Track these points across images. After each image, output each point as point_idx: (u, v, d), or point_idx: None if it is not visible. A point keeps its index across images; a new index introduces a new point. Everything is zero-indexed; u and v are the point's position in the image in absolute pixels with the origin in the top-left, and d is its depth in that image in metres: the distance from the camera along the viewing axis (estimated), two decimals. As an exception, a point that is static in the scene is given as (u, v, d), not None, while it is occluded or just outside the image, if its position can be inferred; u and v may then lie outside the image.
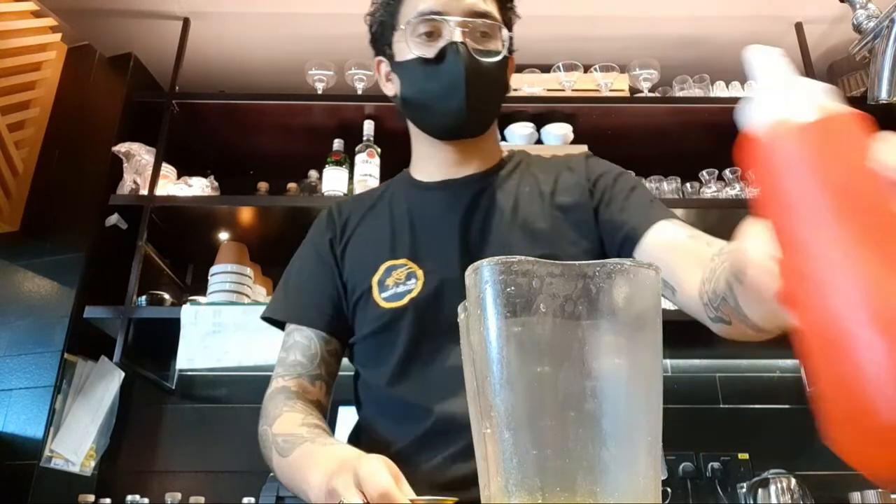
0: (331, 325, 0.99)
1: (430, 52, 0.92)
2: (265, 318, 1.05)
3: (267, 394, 0.96)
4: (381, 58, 1.03)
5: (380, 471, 0.61)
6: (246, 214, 2.22)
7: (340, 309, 1.00)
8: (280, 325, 1.04)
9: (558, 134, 2.28)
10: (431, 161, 1.03)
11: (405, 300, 0.92)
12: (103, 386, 2.11)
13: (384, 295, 0.94)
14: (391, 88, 1.03)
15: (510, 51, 0.99)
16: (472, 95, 0.91)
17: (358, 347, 1.00)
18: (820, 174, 0.35)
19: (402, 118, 1.06)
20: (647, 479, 0.43)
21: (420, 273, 0.94)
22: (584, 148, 2.24)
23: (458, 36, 0.91)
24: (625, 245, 0.91)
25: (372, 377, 0.97)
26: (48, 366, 2.03)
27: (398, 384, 0.92)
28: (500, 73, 0.97)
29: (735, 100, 2.36)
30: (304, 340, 0.98)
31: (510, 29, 1.01)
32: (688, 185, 2.34)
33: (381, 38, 1.01)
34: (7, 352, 2.08)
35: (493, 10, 0.96)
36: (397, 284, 0.94)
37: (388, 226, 1.00)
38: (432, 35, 0.93)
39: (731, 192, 2.28)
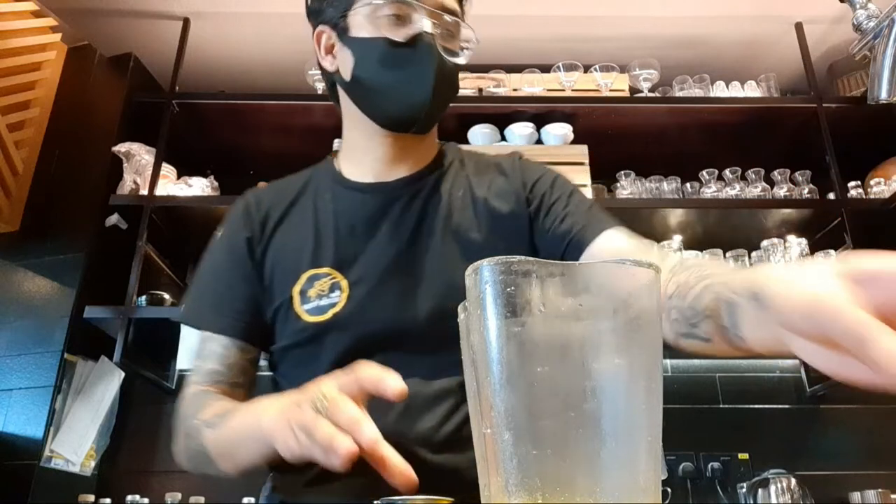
0: (248, 333, 0.91)
1: (399, 35, 0.86)
2: (182, 322, 0.97)
3: (183, 397, 0.89)
4: (325, 28, 0.93)
5: (344, 399, 0.57)
6: (246, 214, 2.22)
7: (259, 315, 0.91)
8: None
9: (558, 134, 2.28)
10: (366, 155, 0.96)
11: (328, 314, 0.85)
12: (103, 386, 2.11)
13: (306, 307, 0.87)
14: (332, 63, 0.94)
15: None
16: (436, 91, 0.87)
17: (278, 356, 0.92)
18: None
19: (335, 99, 1.00)
20: (647, 479, 0.43)
21: (345, 284, 0.87)
22: (584, 148, 2.24)
23: (429, 27, 0.87)
24: (569, 254, 0.87)
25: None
26: (48, 366, 2.03)
27: None
28: (457, 76, 0.94)
29: (735, 100, 2.37)
30: (220, 349, 0.90)
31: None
32: (688, 185, 2.34)
33: (331, 6, 0.92)
34: (7, 352, 2.09)
35: (457, 6, 0.92)
36: (320, 297, 0.87)
37: (312, 228, 0.92)
38: (401, 19, 0.87)
39: (731, 192, 2.28)
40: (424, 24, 0.86)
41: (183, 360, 1.91)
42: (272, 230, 0.95)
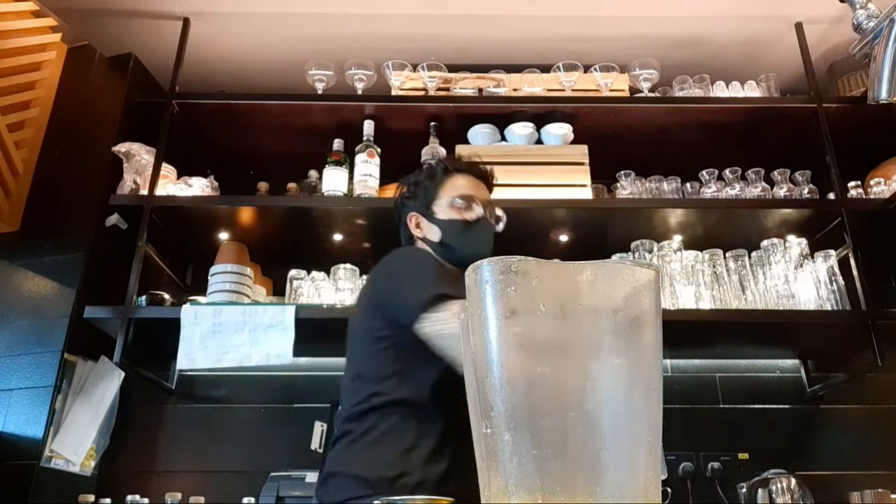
0: None
1: (470, 216, 1.48)
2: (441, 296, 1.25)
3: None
4: (415, 213, 1.52)
5: None
6: (246, 214, 2.22)
7: None
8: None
9: (558, 134, 2.28)
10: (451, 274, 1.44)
11: None
12: (103, 386, 2.11)
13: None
14: (421, 233, 1.51)
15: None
16: (489, 248, 1.48)
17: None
18: None
19: (408, 240, 1.56)
20: (647, 479, 0.43)
21: None
22: (584, 148, 2.24)
23: (483, 212, 1.49)
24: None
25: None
26: (48, 366, 2.03)
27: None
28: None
29: (735, 100, 2.37)
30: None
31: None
32: (688, 185, 2.34)
33: (419, 199, 1.52)
34: (7, 352, 2.08)
35: (491, 199, 1.57)
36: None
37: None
38: (467, 209, 1.48)
39: (731, 192, 2.28)
40: (481, 210, 1.49)
41: (182, 361, 1.91)
42: None
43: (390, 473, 1.20)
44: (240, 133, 2.42)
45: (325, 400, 2.22)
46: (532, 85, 2.38)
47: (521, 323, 0.43)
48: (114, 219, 2.15)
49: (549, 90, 2.37)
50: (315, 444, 2.18)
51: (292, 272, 2.23)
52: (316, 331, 1.99)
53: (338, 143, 2.27)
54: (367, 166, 2.19)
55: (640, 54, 2.40)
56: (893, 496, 2.03)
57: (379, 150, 2.23)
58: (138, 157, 2.22)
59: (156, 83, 2.58)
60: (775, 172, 2.31)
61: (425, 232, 1.51)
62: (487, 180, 1.60)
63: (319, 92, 2.38)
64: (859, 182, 2.28)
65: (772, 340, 2.27)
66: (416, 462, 1.22)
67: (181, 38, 2.37)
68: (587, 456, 0.41)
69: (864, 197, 2.24)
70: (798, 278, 2.10)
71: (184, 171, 2.32)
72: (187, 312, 1.96)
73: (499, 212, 1.56)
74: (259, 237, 2.33)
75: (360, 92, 2.37)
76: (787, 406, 2.34)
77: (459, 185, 1.52)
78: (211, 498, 2.07)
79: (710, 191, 2.31)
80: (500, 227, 1.54)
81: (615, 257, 2.11)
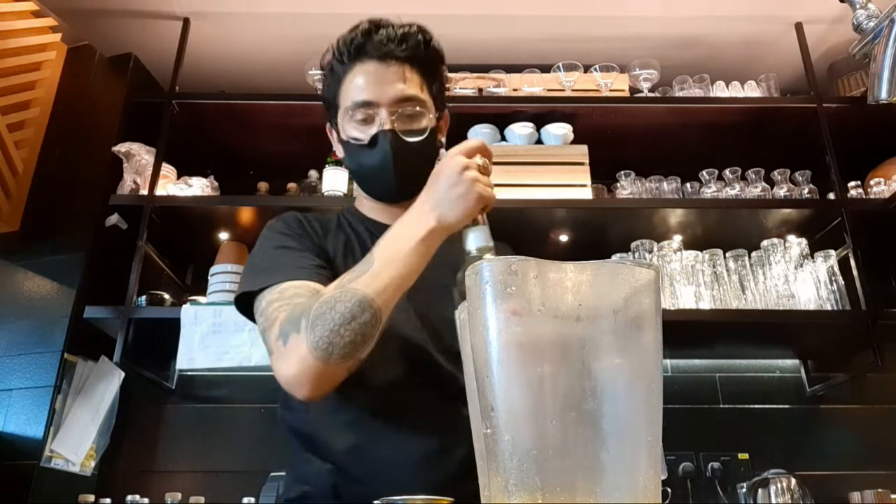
0: (325, 282, 0.99)
1: (364, 136, 1.08)
2: (242, 295, 1.05)
3: (283, 318, 0.94)
4: (330, 126, 1.20)
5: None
6: (246, 214, 2.22)
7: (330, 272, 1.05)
8: (248, 312, 1.06)
9: (558, 134, 2.28)
10: (379, 212, 1.18)
11: None
12: (103, 386, 2.11)
13: None
14: (340, 151, 1.18)
15: (439, 115, 1.15)
16: (400, 172, 1.07)
17: None
18: None
19: None
20: (647, 479, 0.43)
21: None
22: (584, 148, 2.24)
23: (387, 124, 1.07)
24: None
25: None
26: (48, 366, 2.03)
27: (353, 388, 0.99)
28: (429, 145, 1.10)
29: (735, 100, 2.37)
30: (295, 289, 0.98)
31: (439, 95, 1.16)
32: (688, 185, 2.34)
33: (329, 111, 1.18)
34: (7, 352, 2.08)
35: (418, 92, 1.10)
36: None
37: (358, 249, 1.12)
38: (366, 121, 1.09)
39: (731, 192, 2.28)
40: (384, 122, 1.07)
41: (182, 361, 1.91)
42: (324, 240, 1.14)
43: None
44: (240, 133, 2.42)
45: (325, 400, 2.22)
46: (532, 85, 2.38)
47: (521, 323, 0.43)
48: (114, 219, 2.15)
49: (549, 90, 2.37)
50: (315, 444, 2.17)
51: (292, 272, 2.23)
52: (316, 331, 1.99)
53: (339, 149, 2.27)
54: (367, 166, 2.19)
55: (640, 54, 2.40)
56: (893, 496, 2.03)
57: (379, 150, 2.23)
58: (138, 157, 2.22)
59: (156, 83, 2.58)
60: (775, 172, 2.31)
61: (339, 152, 1.19)
62: (414, 58, 1.10)
63: (319, 92, 2.37)
64: (859, 182, 2.28)
65: (772, 340, 2.27)
66: None
67: (181, 38, 2.37)
68: (587, 456, 0.41)
69: (864, 197, 2.24)
70: (798, 278, 2.10)
71: (184, 171, 2.32)
72: (187, 312, 1.96)
73: (429, 107, 1.11)
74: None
75: (360, 92, 2.37)
76: (787, 406, 2.34)
77: (356, 84, 1.10)
78: (211, 498, 2.07)
79: (710, 191, 2.31)
80: (422, 136, 1.09)
81: (615, 257, 2.11)
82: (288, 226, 1.13)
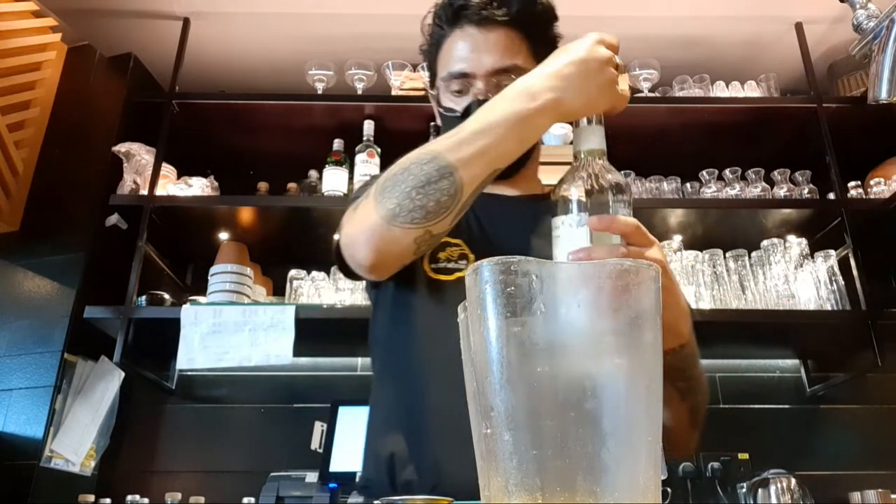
0: None
1: (458, 107, 1.01)
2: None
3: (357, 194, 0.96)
4: (431, 92, 1.13)
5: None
6: (246, 214, 2.22)
7: None
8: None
9: (558, 134, 2.28)
10: None
11: (453, 276, 0.96)
12: (103, 386, 2.11)
13: (434, 266, 0.98)
14: (439, 120, 1.11)
15: None
16: None
17: (389, 299, 1.01)
18: None
19: None
20: (647, 479, 0.43)
21: (472, 257, 0.98)
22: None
23: (481, 94, 0.98)
24: None
25: (395, 332, 1.01)
26: (48, 366, 2.03)
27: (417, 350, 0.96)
28: None
29: (735, 100, 2.36)
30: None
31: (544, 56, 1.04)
32: (688, 185, 2.34)
33: (430, 70, 1.12)
34: (7, 352, 2.08)
35: (518, 60, 1.01)
36: (448, 260, 0.98)
37: None
38: (461, 92, 1.02)
39: (731, 192, 2.28)
40: (479, 92, 0.99)
41: (182, 361, 1.91)
42: None
43: None
44: (240, 133, 2.42)
45: (325, 400, 2.21)
46: (532, 85, 2.38)
47: (521, 323, 0.43)
48: (114, 219, 2.15)
49: (549, 90, 2.37)
50: (315, 444, 2.17)
51: (292, 272, 2.23)
52: (316, 331, 1.99)
53: (338, 143, 2.27)
54: (368, 166, 2.19)
55: (640, 54, 2.40)
56: (894, 496, 2.03)
57: (379, 150, 2.23)
58: (138, 157, 2.22)
59: (156, 83, 2.58)
60: (775, 172, 2.31)
61: (439, 120, 1.12)
62: (518, 20, 1.02)
63: (319, 92, 2.38)
64: (859, 182, 2.28)
65: (772, 340, 2.27)
66: None
67: (181, 38, 2.37)
68: (587, 456, 0.41)
69: (864, 197, 2.24)
70: (798, 278, 2.10)
71: (184, 171, 2.32)
72: (187, 312, 1.96)
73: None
74: (259, 237, 2.33)
75: (360, 92, 2.37)
76: (787, 406, 2.34)
77: (453, 52, 1.03)
78: (211, 498, 2.07)
79: (710, 191, 2.31)
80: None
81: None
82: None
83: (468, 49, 1.00)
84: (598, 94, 0.79)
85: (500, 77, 0.98)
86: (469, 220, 1.02)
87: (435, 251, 0.98)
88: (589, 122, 0.78)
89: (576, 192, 0.72)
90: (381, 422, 0.99)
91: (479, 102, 0.95)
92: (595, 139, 0.77)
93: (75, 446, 2.01)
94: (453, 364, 0.88)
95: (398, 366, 0.99)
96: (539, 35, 1.06)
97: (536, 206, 1.06)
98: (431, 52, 1.08)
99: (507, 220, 1.05)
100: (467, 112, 0.97)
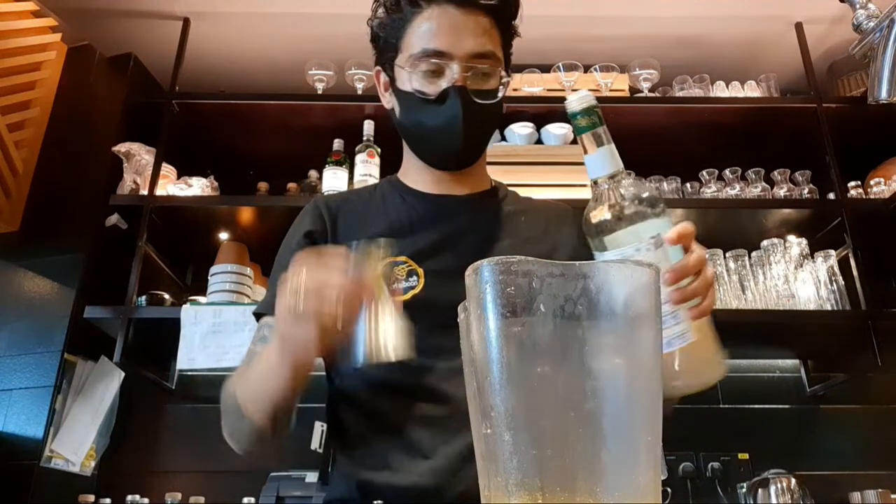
0: None
1: (431, 90, 0.95)
2: (255, 314, 1.06)
3: (227, 383, 0.98)
4: (380, 69, 1.05)
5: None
6: (246, 214, 2.22)
7: None
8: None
9: (558, 134, 2.28)
10: (425, 178, 1.07)
11: (407, 295, 0.95)
12: (103, 386, 2.11)
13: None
14: (388, 101, 1.05)
15: (507, 80, 1.02)
16: (468, 136, 0.96)
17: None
18: None
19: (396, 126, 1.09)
20: (647, 479, 0.43)
21: (421, 272, 0.97)
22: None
23: (460, 79, 0.94)
24: None
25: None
26: (48, 366, 2.03)
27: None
28: (497, 110, 1.01)
29: (735, 100, 2.36)
30: (263, 330, 1.02)
31: (509, 59, 1.05)
32: (688, 185, 2.34)
33: (382, 51, 1.02)
34: (7, 352, 2.08)
35: (495, 48, 0.98)
36: (398, 281, 0.96)
37: (385, 225, 1.02)
38: (434, 73, 0.95)
39: (731, 192, 2.28)
40: (456, 77, 0.94)
41: (182, 361, 1.91)
42: (344, 226, 1.04)
43: None
44: (240, 133, 2.42)
45: (324, 400, 2.21)
46: (532, 85, 2.38)
47: (521, 323, 0.43)
48: (114, 219, 2.15)
49: (549, 90, 2.37)
50: (315, 444, 2.17)
51: (292, 272, 2.23)
52: (316, 331, 1.99)
53: (338, 143, 2.27)
54: (367, 166, 2.19)
55: (640, 54, 2.40)
56: (894, 496, 2.03)
57: (379, 150, 2.23)
58: (138, 157, 2.22)
59: (156, 83, 2.58)
60: (775, 172, 2.31)
61: (386, 102, 1.05)
62: (498, 10, 0.98)
63: (319, 92, 2.37)
64: (859, 182, 2.28)
65: (772, 340, 2.27)
66: None
67: (181, 38, 2.37)
68: (587, 456, 0.41)
69: (864, 197, 2.24)
70: (798, 278, 2.10)
71: (184, 171, 2.32)
72: (187, 312, 1.96)
73: (501, 76, 0.99)
74: (259, 237, 2.33)
75: (360, 92, 2.37)
76: (787, 406, 2.34)
77: (429, 28, 0.95)
78: (211, 498, 2.07)
79: (710, 191, 2.31)
80: (496, 98, 0.98)
81: (615, 257, 2.10)
82: (296, 228, 1.07)
83: (447, 28, 0.94)
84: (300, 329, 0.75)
85: (478, 62, 0.95)
86: (413, 229, 1.01)
87: (386, 274, 0.97)
88: (599, 144, 0.77)
89: (641, 222, 0.71)
90: (349, 442, 1.04)
91: (456, 90, 0.93)
92: (607, 160, 0.77)
93: (75, 446, 2.01)
94: (419, 389, 0.91)
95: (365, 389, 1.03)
96: (508, 28, 1.04)
97: (486, 202, 1.08)
98: (396, 27, 0.98)
99: (459, 219, 1.03)
100: (443, 97, 0.94)
